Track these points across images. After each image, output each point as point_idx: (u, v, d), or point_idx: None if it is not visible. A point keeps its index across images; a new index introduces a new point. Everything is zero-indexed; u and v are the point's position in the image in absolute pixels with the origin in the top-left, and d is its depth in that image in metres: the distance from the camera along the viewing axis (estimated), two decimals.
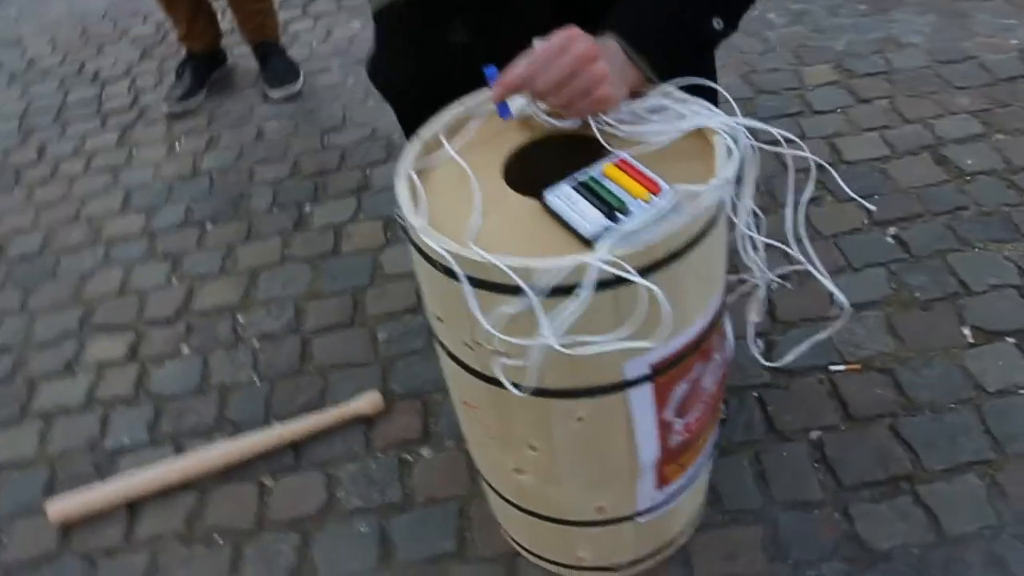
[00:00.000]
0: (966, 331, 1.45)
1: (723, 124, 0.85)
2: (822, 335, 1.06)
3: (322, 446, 1.46)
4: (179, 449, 1.51)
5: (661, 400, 0.90)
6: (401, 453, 1.43)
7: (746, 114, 0.88)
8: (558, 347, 0.73)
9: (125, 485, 1.44)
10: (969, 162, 1.77)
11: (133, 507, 1.43)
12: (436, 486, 1.36)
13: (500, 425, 0.96)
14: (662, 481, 1.03)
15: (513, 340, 0.76)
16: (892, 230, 1.65)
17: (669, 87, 0.92)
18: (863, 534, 1.20)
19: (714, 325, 0.91)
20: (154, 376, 1.65)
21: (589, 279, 0.72)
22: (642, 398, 0.88)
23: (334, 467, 1.42)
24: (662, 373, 0.87)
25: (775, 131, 0.88)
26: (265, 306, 1.75)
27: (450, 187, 0.89)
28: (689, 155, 0.86)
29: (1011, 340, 1.42)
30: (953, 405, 1.34)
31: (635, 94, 0.92)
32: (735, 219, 0.87)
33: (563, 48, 0.83)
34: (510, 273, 0.74)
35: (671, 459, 1.00)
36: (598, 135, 0.88)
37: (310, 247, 1.88)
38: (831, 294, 0.93)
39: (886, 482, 1.26)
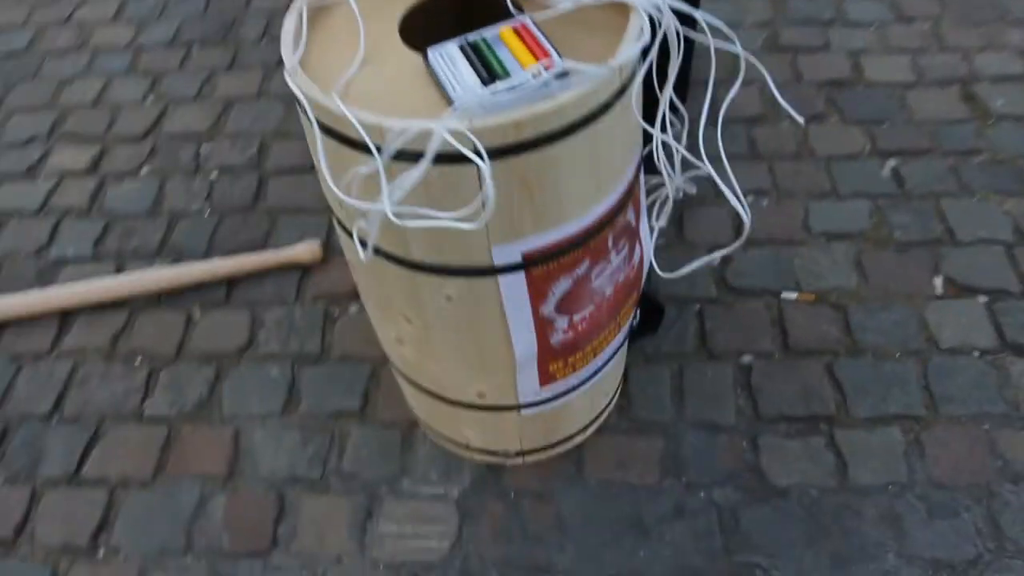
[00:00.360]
0: (937, 281, 1.35)
1: (644, 1, 0.75)
2: (714, 256, 0.97)
3: (254, 287, 1.44)
4: (120, 268, 1.50)
5: (537, 293, 0.84)
6: (329, 306, 1.40)
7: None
8: (391, 215, 0.68)
9: (60, 294, 1.45)
10: (999, 103, 1.62)
11: (65, 317, 1.44)
12: (354, 344, 1.35)
13: (377, 291, 0.92)
14: (546, 377, 0.99)
15: (352, 201, 0.70)
16: (892, 162, 1.53)
17: None
18: (765, 467, 1.17)
19: (608, 224, 0.84)
20: (110, 193, 1.63)
21: (432, 146, 0.65)
22: (514, 287, 0.83)
23: (261, 309, 1.41)
24: (537, 264, 0.81)
25: (700, 15, 0.78)
26: (231, 139, 1.70)
27: (343, 33, 0.81)
28: (607, 32, 0.77)
29: (982, 299, 1.32)
30: (899, 355, 1.27)
31: None
32: (638, 116, 0.79)
33: None
34: (359, 129, 0.67)
35: (555, 356, 0.95)
36: None
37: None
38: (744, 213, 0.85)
39: (804, 420, 1.21)
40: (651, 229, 0.93)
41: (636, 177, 0.86)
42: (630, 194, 0.86)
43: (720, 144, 0.82)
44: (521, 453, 1.15)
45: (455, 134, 0.64)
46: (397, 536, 1.13)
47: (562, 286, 0.85)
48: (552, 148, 0.71)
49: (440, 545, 1.12)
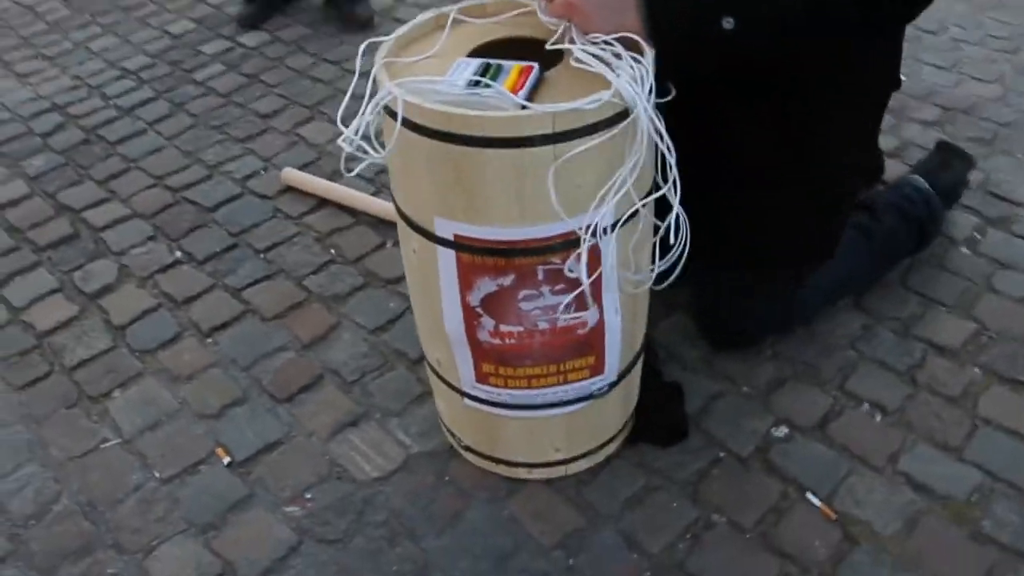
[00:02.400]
0: None
1: (623, 90, 0.88)
2: None
3: None
4: (376, 193, 1.93)
5: (465, 279, 1.01)
6: None
7: None
8: (344, 138, 0.92)
9: (333, 189, 1.92)
10: None
11: (322, 202, 1.90)
12: None
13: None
14: (481, 376, 1.13)
15: (340, 125, 0.96)
16: None
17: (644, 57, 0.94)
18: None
19: (535, 254, 0.97)
20: None
21: (377, 94, 0.89)
22: (448, 263, 1.00)
23: None
24: (465, 251, 0.98)
25: (655, 125, 0.87)
26: None
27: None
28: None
29: None
30: None
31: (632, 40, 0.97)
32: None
33: None
34: (373, 79, 0.94)
35: (486, 356, 1.09)
36: (550, 41, 0.98)
37: None
38: None
39: None
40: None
41: (579, 239, 0.96)
42: (570, 247, 0.97)
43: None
44: (468, 448, 1.28)
45: (393, 99, 0.87)
46: (353, 447, 1.35)
47: (487, 286, 1.01)
48: (478, 151, 0.89)
49: (369, 474, 1.31)
